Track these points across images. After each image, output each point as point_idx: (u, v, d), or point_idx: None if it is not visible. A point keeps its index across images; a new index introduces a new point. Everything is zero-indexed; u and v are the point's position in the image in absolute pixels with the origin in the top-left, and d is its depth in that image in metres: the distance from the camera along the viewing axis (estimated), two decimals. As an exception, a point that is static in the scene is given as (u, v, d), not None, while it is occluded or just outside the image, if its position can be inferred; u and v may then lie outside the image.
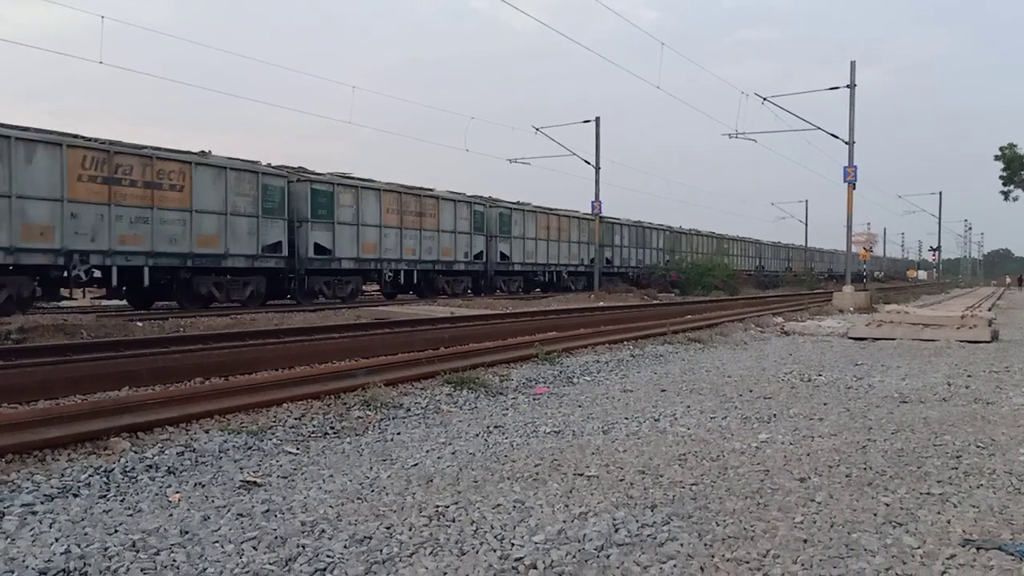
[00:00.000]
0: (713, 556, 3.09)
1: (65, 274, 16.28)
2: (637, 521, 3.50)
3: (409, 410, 6.53)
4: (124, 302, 19.44)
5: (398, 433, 5.69)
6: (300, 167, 23.25)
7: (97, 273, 16.83)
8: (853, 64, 26.26)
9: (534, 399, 7.21)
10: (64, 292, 17.20)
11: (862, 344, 12.68)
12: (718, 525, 3.47)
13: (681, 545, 3.20)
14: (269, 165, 21.53)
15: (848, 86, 26.15)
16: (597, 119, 34.48)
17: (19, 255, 15.54)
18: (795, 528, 3.43)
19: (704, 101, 33.24)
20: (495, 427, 5.87)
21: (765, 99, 27.98)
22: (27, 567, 3.06)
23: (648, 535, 3.32)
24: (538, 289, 33.67)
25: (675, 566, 2.98)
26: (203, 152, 19.51)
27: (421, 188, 27.67)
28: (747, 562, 3.03)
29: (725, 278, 40.07)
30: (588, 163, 34.45)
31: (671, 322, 14.38)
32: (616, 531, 3.37)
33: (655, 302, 26.84)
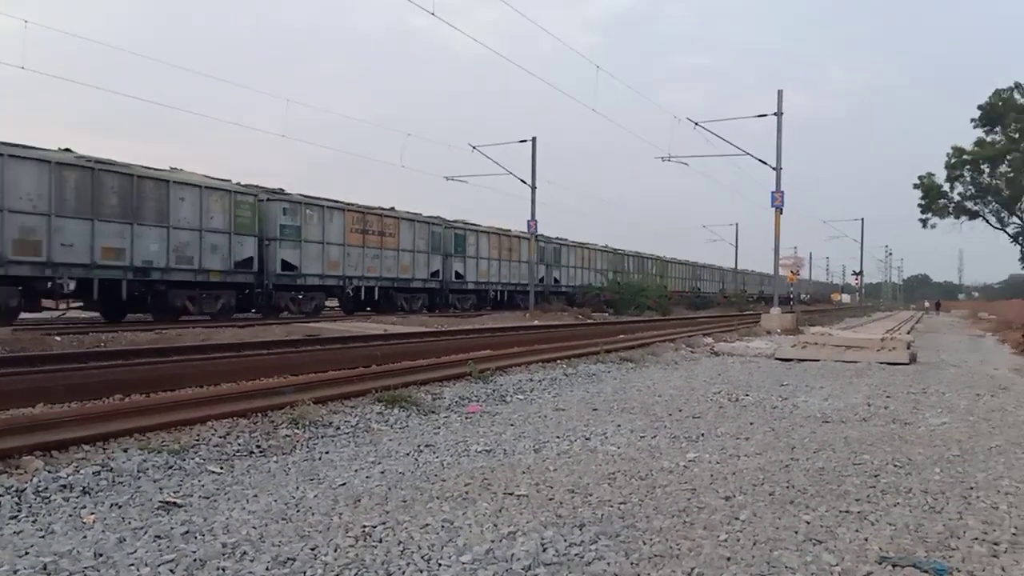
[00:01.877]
0: (639, 575, 3.12)
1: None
2: (565, 540, 3.51)
3: (339, 428, 6.43)
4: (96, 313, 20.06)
5: (327, 452, 5.60)
6: (280, 188, 24.66)
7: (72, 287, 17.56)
8: (780, 93, 27.10)
9: (466, 418, 7.18)
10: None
11: (788, 365, 12.99)
12: (645, 544, 3.50)
13: (608, 564, 3.22)
14: (239, 183, 22.56)
15: (775, 114, 26.93)
16: (533, 139, 34.71)
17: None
18: (719, 546, 3.48)
19: (638, 124, 33.85)
20: (426, 446, 5.82)
21: (697, 124, 28.59)
22: (-75, 594, 2.91)
23: (576, 554, 3.33)
24: (489, 307, 33.76)
25: (601, 585, 2.99)
26: (175, 169, 20.67)
27: (383, 208, 28.59)
28: (672, 580, 3.06)
29: (658, 298, 40.67)
30: (524, 182, 34.65)
31: (604, 341, 14.51)
32: (544, 550, 3.37)
33: (589, 321, 27.08)
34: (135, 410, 5.73)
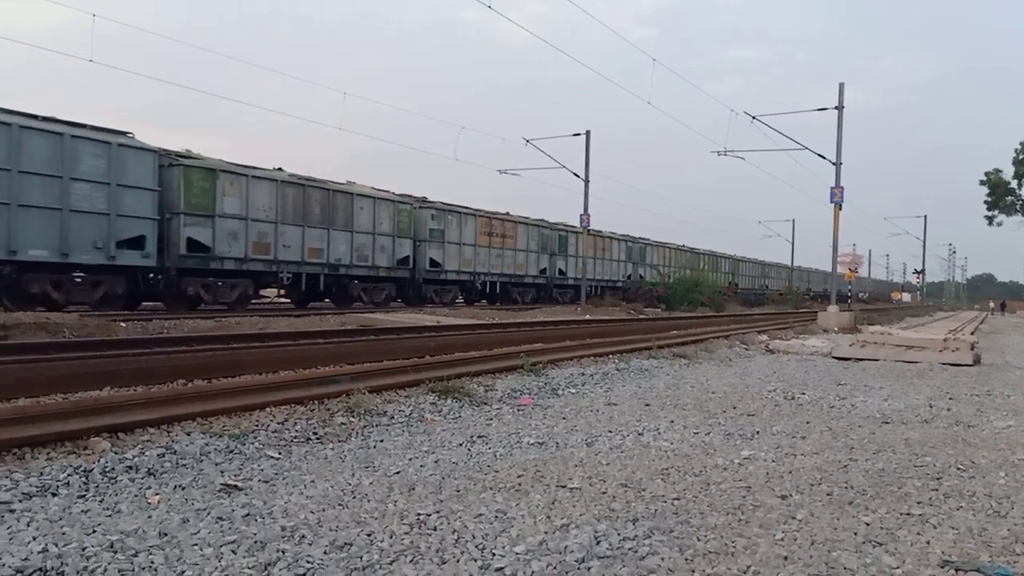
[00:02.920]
0: (693, 571, 3.10)
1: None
2: (619, 534, 3.50)
3: (393, 418, 6.51)
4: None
5: (381, 440, 5.67)
6: (423, 197, 29.22)
7: (289, 280, 22.25)
8: (842, 86, 26.49)
9: (518, 410, 7.20)
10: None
11: (845, 364, 12.74)
12: (699, 540, 3.47)
13: (662, 559, 3.20)
14: (389, 192, 27.19)
15: (836, 107, 26.35)
16: (587, 133, 34.56)
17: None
18: (776, 545, 3.43)
19: (693, 118, 33.47)
20: (479, 437, 5.86)
21: (754, 117, 28.15)
22: (3, 565, 3.02)
23: (629, 548, 3.32)
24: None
25: (655, 580, 2.98)
26: (350, 182, 25.48)
27: (503, 213, 33.55)
28: (727, 578, 3.03)
29: (711, 295, 40.20)
30: (577, 176, 34.53)
31: (656, 337, 14.40)
32: (597, 543, 3.36)
33: (641, 316, 26.89)
34: (197, 395, 5.89)
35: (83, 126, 16.84)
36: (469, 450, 5.41)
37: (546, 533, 3.50)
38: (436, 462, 4.98)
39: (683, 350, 13.38)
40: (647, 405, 7.66)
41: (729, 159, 30.52)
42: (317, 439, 5.62)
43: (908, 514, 4.00)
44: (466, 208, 30.47)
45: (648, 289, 39.75)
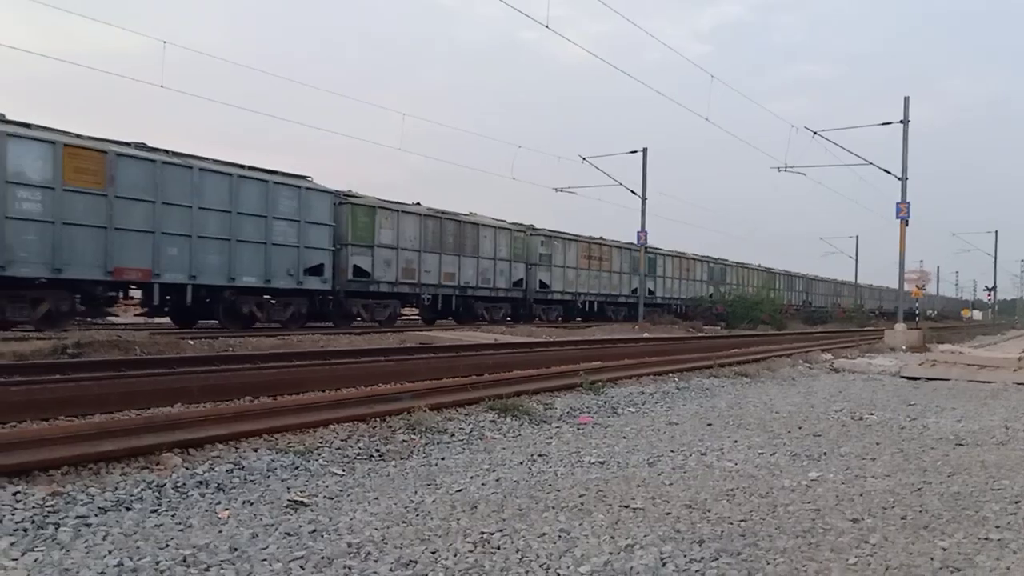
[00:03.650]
0: (763, 595, 3.03)
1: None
2: (684, 556, 3.45)
3: (453, 435, 6.53)
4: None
5: (442, 458, 5.69)
6: (531, 224, 31.90)
7: (428, 301, 26.02)
8: (907, 100, 25.91)
9: (578, 429, 7.17)
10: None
11: (915, 384, 12.37)
12: (768, 563, 3.40)
13: (730, 582, 3.14)
14: (504, 221, 30.11)
15: (901, 121, 25.78)
16: (644, 150, 34.44)
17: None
18: (848, 570, 3.34)
19: (753, 135, 33.09)
20: (539, 455, 5.84)
21: (816, 133, 27.69)
22: (81, 578, 3.12)
23: (696, 571, 3.27)
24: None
25: (724, 603, 2.92)
26: (473, 213, 28.38)
27: (600, 238, 36.04)
28: (799, 603, 2.96)
29: (772, 312, 39.50)
30: (635, 193, 34.37)
31: (717, 355, 14.20)
32: (663, 565, 3.32)
33: (700, 335, 26.56)
34: (263, 412, 6.01)
35: (280, 173, 20.24)
36: (530, 469, 5.40)
37: (611, 553, 3.46)
38: (497, 480, 4.98)
39: (745, 369, 13.15)
40: (709, 425, 7.55)
41: (790, 175, 30.04)
42: (379, 456, 5.67)
43: (986, 539, 3.86)
44: (570, 234, 33.50)
45: (707, 307, 39.25)
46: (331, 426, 6.18)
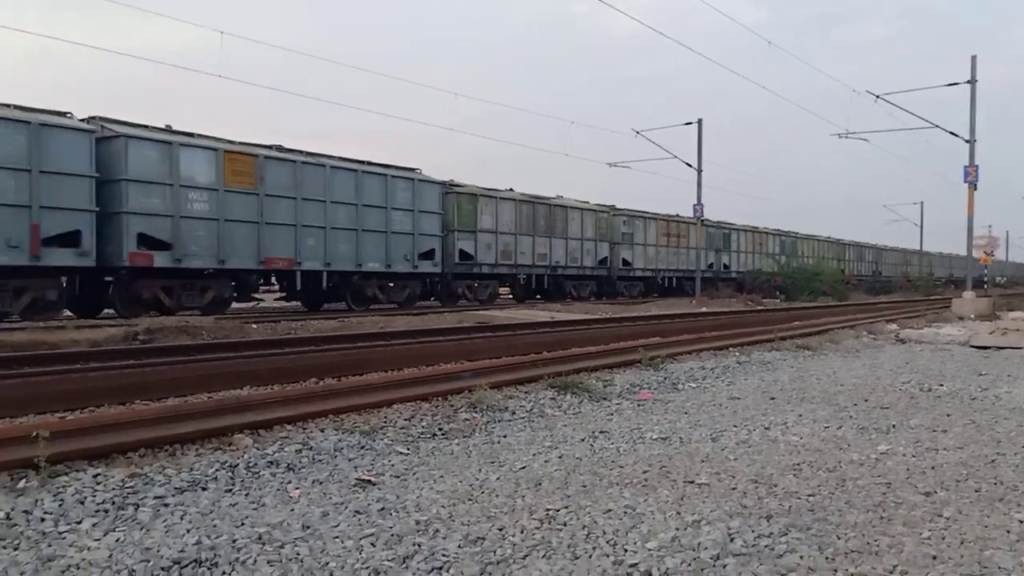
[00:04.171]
0: (836, 571, 2.99)
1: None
2: (753, 531, 3.43)
3: (514, 413, 6.58)
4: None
5: (504, 436, 5.74)
6: (612, 205, 33.11)
7: (523, 280, 27.99)
8: (974, 59, 24.94)
9: (639, 405, 7.15)
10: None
11: (985, 353, 12.01)
12: (839, 538, 3.35)
13: (801, 558, 3.11)
14: (587, 203, 31.46)
15: (968, 81, 24.84)
16: (699, 121, 33.90)
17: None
18: (922, 544, 3.28)
19: (812, 100, 32.39)
20: (600, 432, 5.85)
21: (878, 97, 26.89)
22: (161, 556, 3.23)
23: (765, 546, 3.24)
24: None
25: (795, 579, 2.90)
26: (559, 196, 29.81)
27: (677, 216, 36.79)
28: (872, 578, 2.92)
29: (833, 283, 38.64)
30: (690, 165, 33.91)
31: (778, 328, 13.98)
32: (731, 540, 3.30)
33: (759, 308, 26.17)
34: (329, 393, 6.13)
35: (394, 167, 21.97)
36: (592, 445, 5.41)
37: (677, 529, 3.46)
38: (560, 457, 5.01)
39: (806, 341, 12.93)
40: (772, 399, 7.45)
41: (851, 142, 29.31)
42: (443, 435, 5.74)
43: (1068, 513, 3.74)
44: (650, 213, 34.49)
45: (766, 279, 38.59)
46: (394, 406, 6.28)
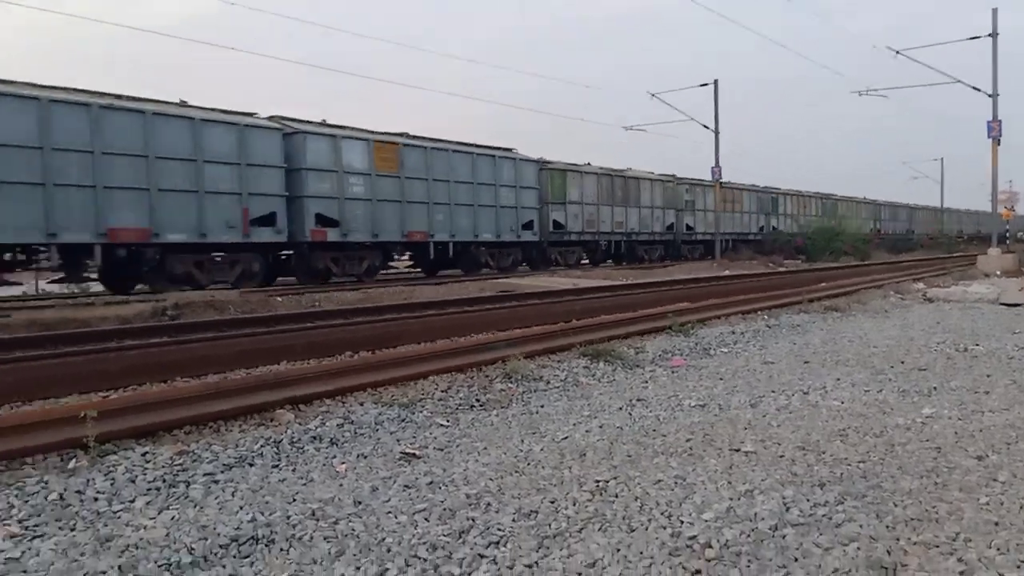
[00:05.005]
0: (898, 539, 2.97)
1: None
2: (807, 500, 3.40)
3: (549, 383, 6.57)
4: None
5: (542, 406, 5.73)
6: (673, 174, 34.75)
7: (605, 246, 30.18)
8: (995, 12, 24.37)
9: (672, 372, 7.12)
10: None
11: (1016, 311, 11.87)
12: (896, 506, 3.33)
13: (860, 527, 3.09)
14: (653, 174, 33.46)
15: (990, 35, 24.34)
16: (715, 82, 33.44)
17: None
18: (982, 510, 3.25)
19: (831, 58, 31.86)
20: (637, 400, 5.83)
21: (898, 52, 26.40)
22: (219, 534, 3.25)
23: (823, 515, 3.22)
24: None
25: (859, 549, 2.88)
26: (629, 168, 31.72)
27: (735, 183, 38.10)
28: (936, 546, 2.89)
29: (855, 243, 38.26)
30: (707, 127, 33.54)
31: (804, 290, 13.87)
32: (787, 510, 3.28)
33: (782, 269, 25.98)
34: (366, 366, 6.13)
35: (499, 148, 24.95)
36: (630, 414, 5.40)
37: (731, 499, 3.44)
38: (601, 427, 4.99)
39: (834, 303, 12.82)
40: (806, 362, 7.40)
41: (871, 100, 28.80)
42: (480, 406, 5.75)
43: (1126, 475, 3.70)
44: (708, 181, 35.54)
45: (786, 241, 38.27)
46: (431, 378, 6.29)
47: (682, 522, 3.20)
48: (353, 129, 20.07)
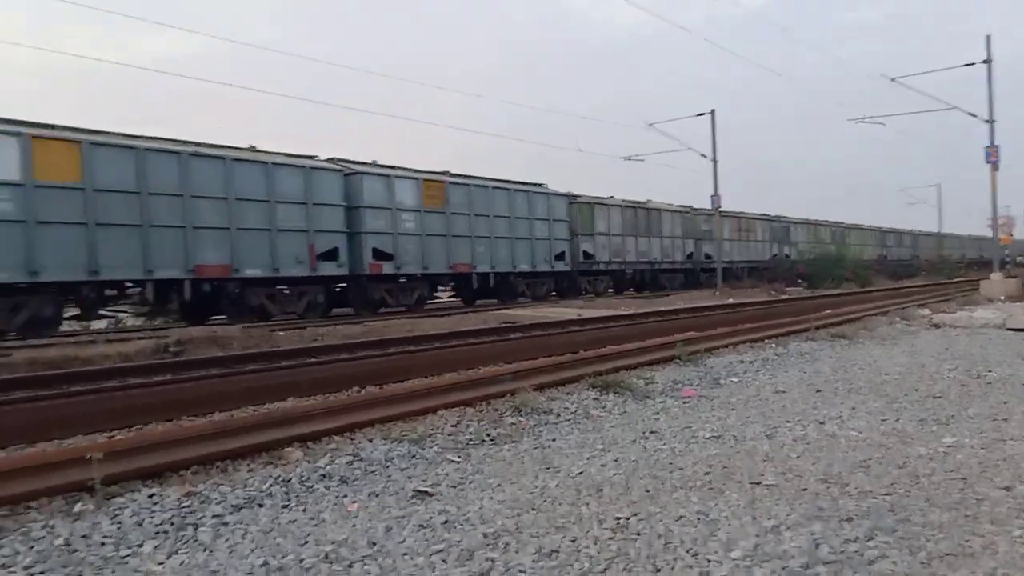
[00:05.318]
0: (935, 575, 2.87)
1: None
2: (837, 536, 3.30)
3: (559, 415, 6.47)
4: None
5: (554, 439, 5.63)
6: (690, 205, 36.04)
7: (630, 275, 31.68)
8: (988, 38, 24.61)
9: (684, 402, 7.03)
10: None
11: (1025, 336, 11.79)
12: (928, 540, 3.23)
13: (894, 564, 2.99)
14: (672, 205, 34.76)
15: (984, 61, 24.51)
16: (712, 112, 33.55)
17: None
18: (1016, 543, 3.15)
19: (826, 85, 32.12)
20: (651, 432, 5.73)
21: (893, 79, 26.57)
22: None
23: (854, 551, 3.12)
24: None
25: (895, 587, 2.78)
26: (650, 200, 33.53)
27: (747, 213, 40.20)
28: (975, 583, 2.79)
29: (856, 269, 38.24)
30: (704, 156, 33.65)
31: (810, 317, 13.80)
32: (817, 547, 3.18)
33: (784, 296, 25.92)
34: (373, 401, 6.04)
35: (530, 183, 26.34)
36: (644, 446, 5.30)
37: (757, 536, 3.34)
38: (616, 461, 4.90)
39: (841, 330, 12.73)
40: (818, 391, 7.31)
41: (866, 126, 28.97)
42: (491, 440, 5.64)
43: None
44: (726, 211, 36.85)
45: (788, 268, 38.27)
46: (439, 412, 6.19)
47: (709, 561, 3.10)
48: (403, 169, 21.70)
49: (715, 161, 33.60)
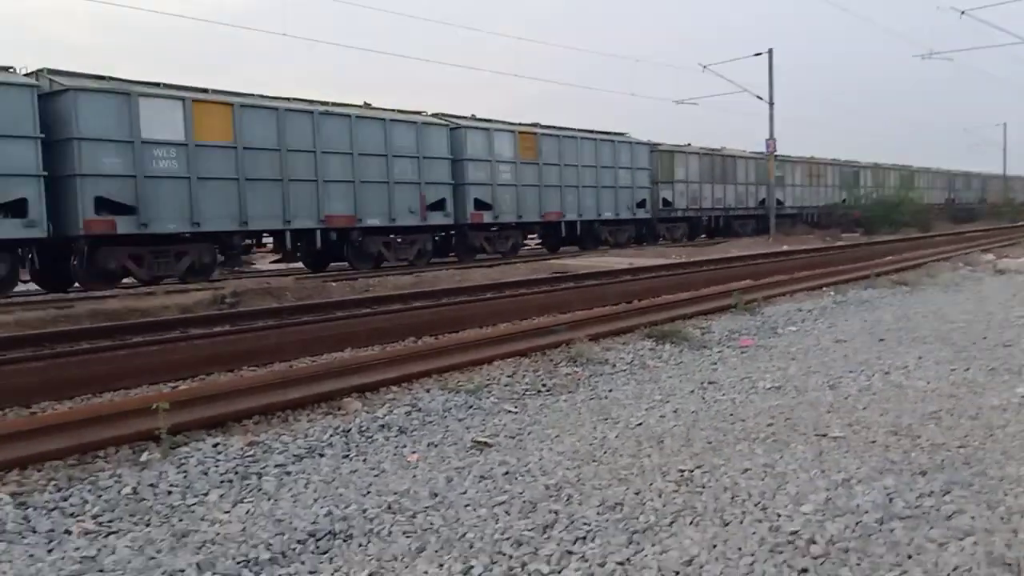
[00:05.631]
0: (1016, 531, 2.76)
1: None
2: (911, 490, 3.20)
3: (615, 366, 6.41)
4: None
5: (610, 390, 5.59)
6: (760, 151, 34.42)
7: (706, 222, 32.15)
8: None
9: (742, 352, 6.91)
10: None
11: (1098, 282, 11.32)
12: (1007, 495, 3.11)
13: (973, 518, 2.88)
14: (745, 151, 34.40)
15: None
16: (769, 51, 32.48)
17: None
18: (1103, 500, 3.02)
19: (893, 17, 30.92)
20: (709, 383, 5.65)
21: (963, 12, 25.37)
22: (295, 528, 3.18)
23: (930, 507, 3.02)
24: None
25: (976, 543, 2.68)
26: (724, 147, 33.41)
27: (817, 157, 39.81)
28: (1062, 541, 2.68)
29: (916, 214, 37.09)
30: (760, 98, 32.68)
31: (868, 264, 13.44)
32: (891, 502, 3.09)
33: (840, 243, 25.32)
34: (430, 352, 6.05)
35: (614, 133, 27.01)
36: (703, 397, 5.23)
37: (827, 490, 3.25)
38: (675, 412, 4.83)
39: (902, 276, 12.38)
40: (881, 340, 7.12)
41: (932, 64, 27.81)
42: (547, 391, 5.62)
43: None
44: (796, 157, 37.29)
45: (843, 213, 37.29)
46: (495, 363, 6.17)
47: (779, 515, 3.03)
48: (500, 122, 22.71)
49: (771, 104, 32.61)
